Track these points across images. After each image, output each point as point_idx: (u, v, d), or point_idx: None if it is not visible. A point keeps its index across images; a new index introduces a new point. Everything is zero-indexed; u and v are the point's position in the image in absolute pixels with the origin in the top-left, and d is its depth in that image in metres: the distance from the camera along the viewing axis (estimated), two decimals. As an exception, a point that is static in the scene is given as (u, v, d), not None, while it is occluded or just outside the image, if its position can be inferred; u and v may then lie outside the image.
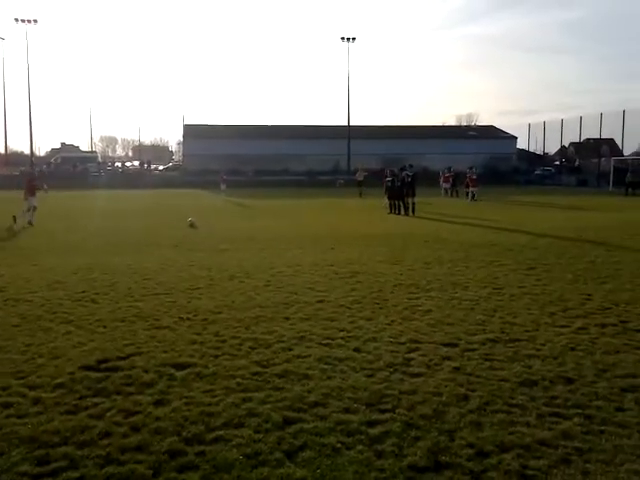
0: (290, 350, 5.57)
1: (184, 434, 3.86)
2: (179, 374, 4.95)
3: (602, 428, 3.90)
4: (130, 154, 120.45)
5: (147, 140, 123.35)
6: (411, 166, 23.66)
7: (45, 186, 31.98)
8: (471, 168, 33.49)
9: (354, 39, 62.16)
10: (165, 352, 5.53)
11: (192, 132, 67.26)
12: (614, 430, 3.87)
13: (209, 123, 71.79)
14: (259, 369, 5.06)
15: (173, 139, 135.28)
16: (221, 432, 3.89)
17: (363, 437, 3.80)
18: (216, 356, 5.40)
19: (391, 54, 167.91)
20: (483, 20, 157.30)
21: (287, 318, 6.74)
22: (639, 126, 53.38)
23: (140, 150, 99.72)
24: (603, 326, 6.35)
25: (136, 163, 75.83)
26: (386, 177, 23.58)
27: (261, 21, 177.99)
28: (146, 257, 11.46)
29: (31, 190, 18.16)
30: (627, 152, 58.28)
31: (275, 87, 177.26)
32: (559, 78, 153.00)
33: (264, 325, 6.45)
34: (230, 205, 28.51)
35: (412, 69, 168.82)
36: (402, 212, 21.95)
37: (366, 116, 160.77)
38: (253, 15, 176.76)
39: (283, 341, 5.85)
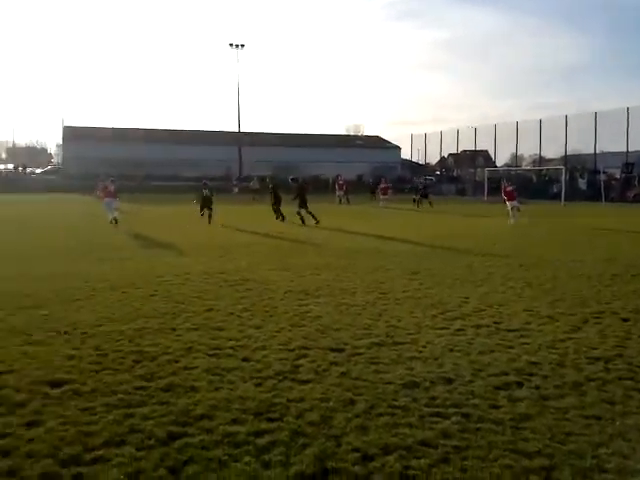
0: (176, 362, 5.39)
1: (60, 456, 3.60)
2: (54, 392, 4.61)
3: (478, 426, 4.11)
4: (3, 156, 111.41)
5: (22, 142, 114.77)
6: (293, 179, 23.43)
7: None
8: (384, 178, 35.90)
9: (243, 46, 62.05)
10: (39, 369, 5.13)
11: (73, 134, 63.68)
12: (489, 427, 4.10)
13: (93, 125, 68.38)
14: (143, 383, 4.83)
15: (52, 141, 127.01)
16: (100, 452, 3.66)
17: (250, 448, 3.75)
18: (96, 371, 5.10)
19: (284, 62, 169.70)
20: (375, 32, 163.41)
21: (174, 329, 6.52)
22: (509, 139, 57.77)
23: (15, 152, 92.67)
24: (478, 327, 6.77)
25: (10, 166, 70.39)
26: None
27: (152, 23, 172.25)
28: (19, 267, 10.61)
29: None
30: (499, 163, 63.06)
31: (166, 91, 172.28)
32: (439, 93, 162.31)
33: (149, 337, 6.19)
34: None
35: (303, 77, 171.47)
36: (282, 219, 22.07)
37: (261, 124, 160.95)
38: (143, 16, 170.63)
39: (169, 353, 5.65)
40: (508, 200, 22.92)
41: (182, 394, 4.62)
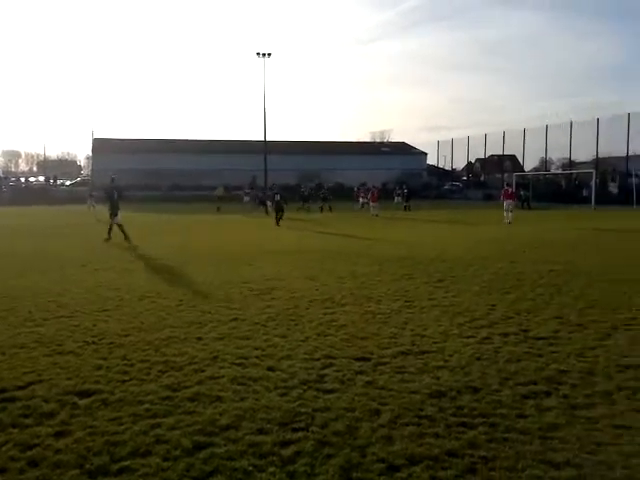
0: (202, 371, 5.43)
1: (87, 466, 3.65)
2: (83, 402, 4.69)
3: (505, 436, 4.05)
4: (35, 169, 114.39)
5: (53, 154, 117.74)
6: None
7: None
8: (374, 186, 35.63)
9: (270, 55, 62.46)
10: (68, 379, 5.22)
11: (102, 146, 65.00)
12: (516, 437, 4.03)
13: (120, 137, 69.72)
14: (169, 393, 4.88)
15: (82, 153, 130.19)
16: (127, 462, 3.70)
17: (275, 458, 3.75)
18: (123, 381, 5.16)
19: (308, 70, 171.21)
20: (400, 36, 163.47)
21: (200, 338, 6.58)
22: (539, 143, 57.15)
23: (45, 165, 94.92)
24: (506, 335, 6.67)
25: (41, 178, 72.27)
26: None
27: (174, 34, 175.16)
28: (49, 278, 10.84)
29: None
30: (527, 168, 62.23)
31: (189, 101, 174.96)
32: (468, 96, 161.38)
33: (175, 346, 6.25)
34: (144, 221, 27.64)
35: (329, 84, 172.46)
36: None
37: (284, 131, 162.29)
38: (166, 28, 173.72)
39: (195, 362, 5.69)
40: (507, 199, 25.93)
41: (208, 404, 4.65)
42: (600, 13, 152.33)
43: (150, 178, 59.42)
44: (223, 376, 5.29)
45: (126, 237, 17.43)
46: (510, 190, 27.14)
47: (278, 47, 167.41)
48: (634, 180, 44.25)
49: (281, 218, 24.78)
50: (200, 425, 4.23)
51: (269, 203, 26.92)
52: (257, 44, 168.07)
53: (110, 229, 17.80)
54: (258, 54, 62.33)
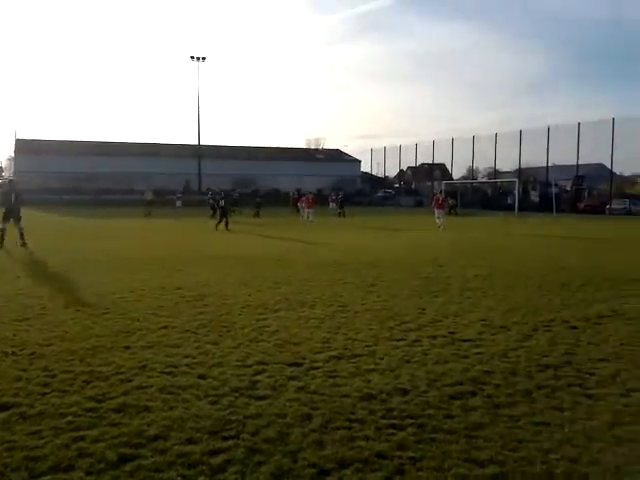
0: (129, 381, 5.26)
1: (3, 484, 3.46)
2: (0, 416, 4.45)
3: (433, 436, 4.15)
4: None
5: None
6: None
7: None
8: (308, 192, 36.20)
9: (204, 59, 61.89)
10: (-17, 393, 4.94)
11: (25, 147, 62.09)
12: (443, 437, 4.14)
13: (47, 138, 66.83)
14: (94, 404, 4.69)
15: (3, 154, 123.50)
16: (47, 477, 3.53)
17: (205, 468, 3.68)
18: (44, 393, 4.92)
19: (246, 74, 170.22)
20: (337, 45, 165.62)
21: (127, 347, 6.37)
22: (467, 152, 59.41)
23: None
24: (434, 338, 6.85)
25: (-43, 180, 68.20)
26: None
27: (107, 35, 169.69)
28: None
29: None
30: (456, 176, 64.45)
31: (122, 103, 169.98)
32: (401, 106, 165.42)
33: (101, 356, 6.02)
34: (71, 225, 26.58)
35: (266, 90, 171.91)
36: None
37: (223, 137, 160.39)
38: (99, 26, 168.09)
39: (122, 372, 5.51)
40: (438, 208, 26.94)
41: (135, 415, 4.50)
42: (529, 32, 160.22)
43: (78, 181, 57.32)
44: (151, 385, 5.15)
45: (1, 242, 16.65)
46: (441, 199, 27.91)
47: (215, 52, 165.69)
48: (554, 189, 46.85)
49: (227, 223, 25.03)
50: (126, 437, 4.10)
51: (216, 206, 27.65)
52: (191, 47, 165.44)
53: (22, 234, 16.85)
54: (192, 57, 61.58)
